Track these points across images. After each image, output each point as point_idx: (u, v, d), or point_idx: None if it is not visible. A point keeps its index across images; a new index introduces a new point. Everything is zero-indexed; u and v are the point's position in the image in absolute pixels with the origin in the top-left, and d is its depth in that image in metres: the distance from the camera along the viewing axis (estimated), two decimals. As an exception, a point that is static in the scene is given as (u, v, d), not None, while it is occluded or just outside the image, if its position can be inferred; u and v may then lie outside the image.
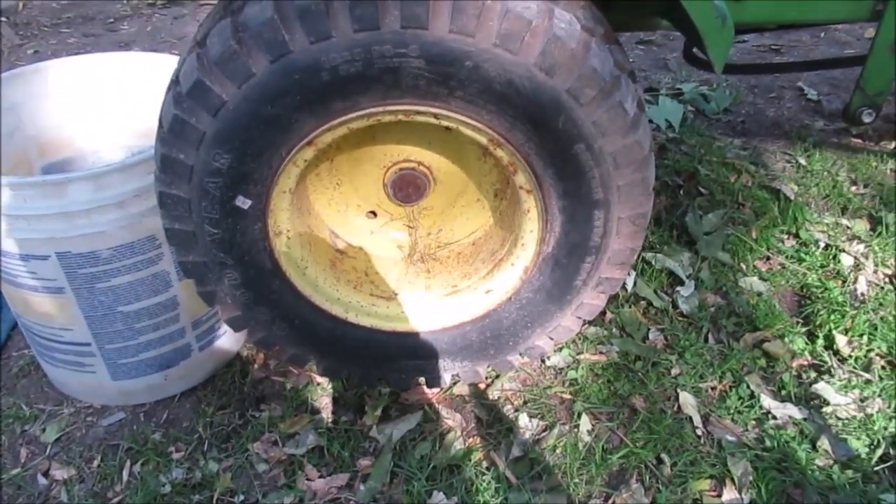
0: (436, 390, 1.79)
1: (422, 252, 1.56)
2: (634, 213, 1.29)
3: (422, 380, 1.65)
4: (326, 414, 1.78)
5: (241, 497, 1.60)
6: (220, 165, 1.20)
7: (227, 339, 1.85)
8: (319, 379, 1.85)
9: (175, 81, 1.19)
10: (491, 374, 1.86)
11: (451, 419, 1.75)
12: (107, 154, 1.88)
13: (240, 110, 1.15)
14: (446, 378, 1.60)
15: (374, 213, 1.55)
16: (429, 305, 1.49)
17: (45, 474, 1.65)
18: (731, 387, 1.84)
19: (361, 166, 1.45)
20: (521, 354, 1.54)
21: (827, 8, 1.57)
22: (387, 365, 1.54)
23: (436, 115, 1.19)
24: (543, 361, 1.91)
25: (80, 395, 1.81)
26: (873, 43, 1.60)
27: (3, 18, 3.75)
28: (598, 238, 1.31)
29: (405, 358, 1.52)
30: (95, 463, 1.67)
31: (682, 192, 2.46)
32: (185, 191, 1.24)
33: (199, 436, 1.72)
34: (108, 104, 1.87)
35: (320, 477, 1.64)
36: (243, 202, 1.25)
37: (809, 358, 1.92)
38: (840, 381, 1.84)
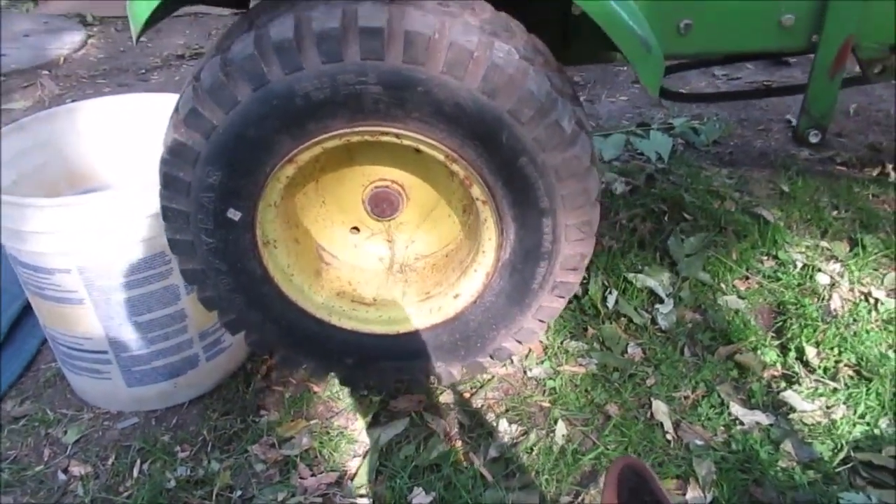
0: (423, 398, 1.93)
1: (400, 263, 1.73)
2: (580, 221, 1.44)
3: (403, 382, 1.79)
4: (320, 420, 1.92)
5: (239, 492, 1.74)
6: (213, 181, 1.39)
7: (232, 352, 2.01)
8: (315, 388, 2.00)
9: (175, 110, 1.39)
10: (475, 384, 1.99)
11: (435, 424, 1.87)
12: (128, 183, 2.10)
13: (228, 133, 1.34)
14: (423, 379, 1.74)
15: (356, 229, 1.72)
16: (405, 309, 1.64)
17: (65, 471, 1.81)
18: (703, 396, 1.94)
19: (343, 185, 1.63)
20: (490, 356, 1.68)
21: (766, 40, 1.72)
22: (368, 366, 1.69)
23: (397, 135, 1.36)
24: (525, 373, 2.04)
25: (98, 402, 1.98)
26: (812, 71, 1.74)
27: (45, 71, 4.09)
28: (548, 244, 1.45)
29: (384, 359, 1.67)
30: (110, 461, 1.83)
31: (666, 217, 2.59)
32: (184, 205, 1.43)
33: (203, 438, 1.88)
34: (132, 140, 2.09)
35: (312, 475, 1.78)
36: (234, 214, 1.43)
37: (780, 369, 2.01)
38: (807, 389, 1.93)
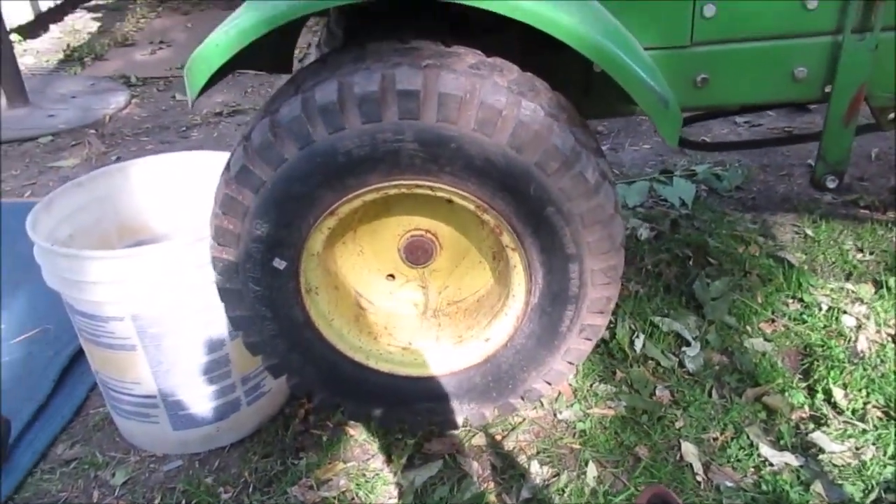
0: (456, 440, 1.98)
1: (434, 309, 1.81)
2: (606, 266, 1.52)
3: (437, 424, 1.85)
4: (357, 462, 1.98)
5: (279, 531, 1.80)
6: (261, 233, 1.49)
7: (272, 396, 2.09)
8: (352, 431, 2.07)
9: (226, 168, 1.51)
10: (507, 427, 2.04)
11: (468, 466, 1.92)
12: (177, 236, 2.22)
13: (275, 188, 1.45)
14: (457, 420, 1.80)
15: (392, 276, 1.81)
16: (438, 353, 1.72)
17: (113, 512, 1.90)
18: (731, 438, 1.97)
19: (380, 235, 1.73)
20: (521, 398, 1.74)
21: (780, 92, 1.81)
22: (404, 407, 1.76)
23: (431, 188, 1.46)
24: (556, 415, 2.08)
25: (144, 445, 2.07)
26: (826, 119, 1.82)
27: (91, 130, 4.30)
28: (576, 288, 1.53)
29: (419, 401, 1.74)
30: (156, 503, 1.91)
31: (691, 262, 2.65)
32: (233, 255, 1.53)
33: (244, 480, 1.94)
34: (178, 194, 2.22)
35: (349, 515, 1.84)
36: (279, 263, 1.53)
37: (808, 410, 2.03)
38: (836, 430, 1.94)
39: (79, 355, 2.33)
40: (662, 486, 1.68)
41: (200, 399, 1.95)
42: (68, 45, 5.85)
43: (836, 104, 1.77)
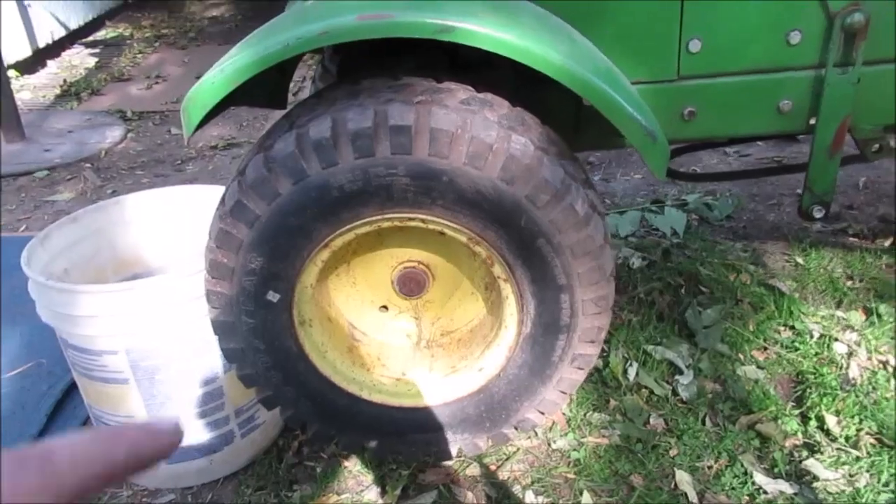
0: (451, 470, 1.98)
1: (427, 339, 1.82)
2: (596, 296, 1.53)
3: (431, 454, 1.85)
4: (352, 494, 1.97)
5: (274, 567, 1.79)
6: (255, 266, 1.51)
7: (266, 429, 2.09)
8: (346, 463, 2.06)
9: (221, 202, 1.53)
10: (501, 456, 2.04)
11: (463, 497, 1.92)
12: (171, 269, 2.24)
13: (270, 222, 1.47)
14: (450, 451, 1.80)
15: (385, 307, 1.83)
16: (432, 384, 1.73)
17: (105, 548, 1.88)
18: (726, 466, 1.97)
19: (373, 267, 1.75)
20: (515, 427, 1.74)
21: (766, 124, 1.85)
22: (398, 438, 1.76)
23: (423, 221, 1.48)
24: (550, 444, 2.08)
25: (137, 479, 2.06)
26: (812, 150, 1.85)
27: (87, 164, 4.33)
28: (567, 318, 1.54)
29: (413, 432, 1.74)
30: (148, 538, 1.90)
31: (683, 290, 2.67)
32: (227, 288, 1.55)
33: (238, 514, 1.94)
34: (175, 229, 2.24)
35: (344, 550, 1.83)
36: (273, 296, 1.54)
37: (802, 438, 2.04)
38: (830, 457, 1.95)
39: (72, 390, 2.32)
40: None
41: (194, 432, 1.94)
42: (65, 81, 5.91)
43: (821, 136, 1.80)
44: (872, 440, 1.98)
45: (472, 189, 1.41)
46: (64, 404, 2.36)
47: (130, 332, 1.78)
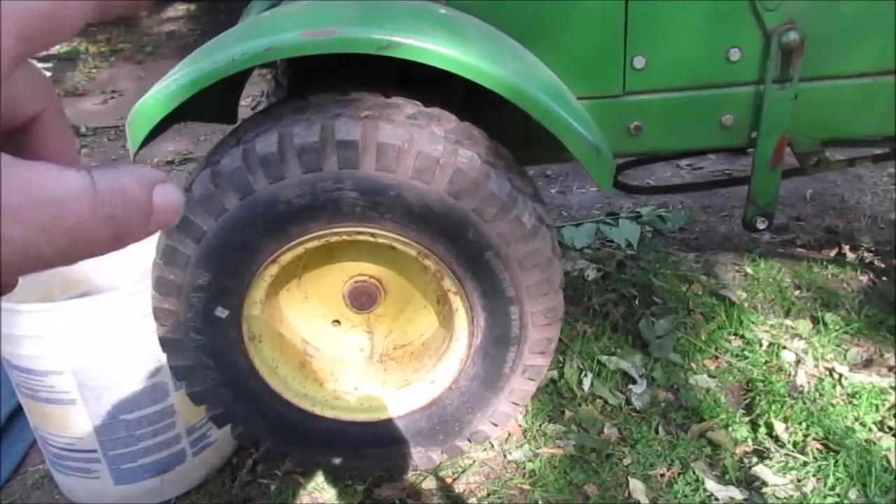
0: (407, 484, 1.97)
1: (380, 353, 1.82)
2: (545, 308, 1.55)
3: (386, 469, 1.84)
4: (307, 511, 1.96)
5: (227, 588, 1.76)
6: (202, 282, 1.50)
7: (218, 447, 2.06)
8: (301, 480, 2.04)
9: (168, 218, 1.51)
10: (457, 469, 2.04)
11: (419, 512, 1.92)
12: (119, 288, 2.20)
13: (217, 238, 1.46)
14: (406, 465, 1.80)
15: (338, 322, 1.82)
16: (385, 397, 1.72)
17: (51, 573, 1.83)
18: (678, 473, 2.00)
19: (324, 281, 1.74)
20: (468, 440, 1.75)
21: (709, 138, 1.90)
22: (352, 453, 1.75)
23: (373, 235, 1.49)
24: (505, 456, 2.09)
25: (85, 501, 2.01)
26: (754, 164, 1.91)
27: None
28: (517, 330, 1.56)
29: (368, 446, 1.74)
30: (96, 562, 1.85)
31: (637, 301, 2.71)
32: (174, 304, 1.53)
33: (190, 535, 1.91)
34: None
35: (299, 568, 1.81)
36: (222, 312, 1.53)
37: (751, 444, 2.08)
38: (778, 463, 1.99)
39: (17, 412, 2.26)
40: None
41: (143, 452, 1.91)
42: (17, 95, 5.78)
43: (762, 150, 1.86)
44: (819, 445, 2.03)
45: (420, 203, 1.42)
46: (9, 428, 2.30)
47: (76, 352, 1.75)
